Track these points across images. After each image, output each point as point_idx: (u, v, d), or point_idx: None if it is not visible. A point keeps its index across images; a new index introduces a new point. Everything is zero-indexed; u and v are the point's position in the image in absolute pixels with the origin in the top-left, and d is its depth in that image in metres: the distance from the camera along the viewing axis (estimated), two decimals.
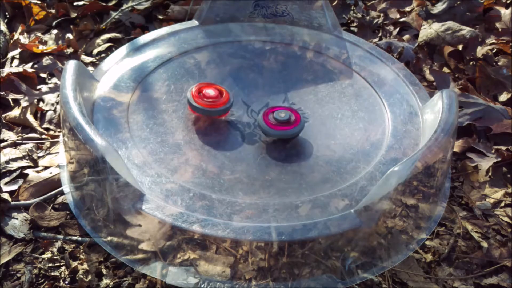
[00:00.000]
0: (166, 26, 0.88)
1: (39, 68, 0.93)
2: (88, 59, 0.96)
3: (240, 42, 0.86)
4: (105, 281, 0.60)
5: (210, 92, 0.71)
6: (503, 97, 0.89)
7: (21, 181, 0.71)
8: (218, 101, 0.70)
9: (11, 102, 0.85)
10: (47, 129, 0.82)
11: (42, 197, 0.69)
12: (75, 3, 1.07)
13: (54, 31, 1.02)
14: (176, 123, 0.72)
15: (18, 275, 0.61)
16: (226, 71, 0.81)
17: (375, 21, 1.07)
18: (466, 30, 0.98)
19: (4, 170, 0.73)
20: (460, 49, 0.97)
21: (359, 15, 1.09)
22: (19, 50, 0.96)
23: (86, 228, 0.63)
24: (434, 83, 0.91)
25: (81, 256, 0.62)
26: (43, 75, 0.92)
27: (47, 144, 0.78)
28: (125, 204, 0.58)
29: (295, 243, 0.57)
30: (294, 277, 0.57)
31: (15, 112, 0.82)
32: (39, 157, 0.76)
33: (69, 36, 1.01)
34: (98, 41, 1.00)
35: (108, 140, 0.59)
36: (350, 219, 0.58)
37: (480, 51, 0.96)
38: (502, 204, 0.72)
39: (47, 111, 0.85)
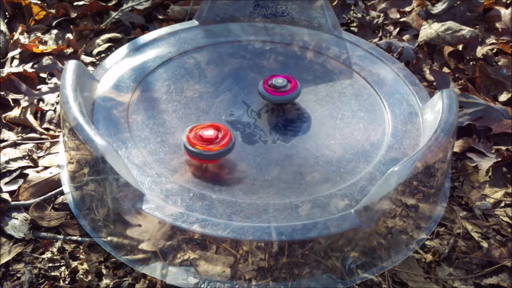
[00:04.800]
0: (166, 26, 0.88)
1: (39, 68, 0.93)
2: (88, 59, 0.96)
3: (240, 42, 0.86)
4: (105, 281, 0.60)
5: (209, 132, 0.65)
6: (503, 97, 0.89)
7: (21, 181, 0.71)
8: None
9: (11, 102, 0.85)
10: (47, 129, 0.82)
11: (42, 197, 0.69)
12: (75, 3, 1.07)
13: (54, 31, 1.02)
14: (176, 123, 0.72)
15: (18, 275, 0.61)
16: (226, 71, 0.81)
17: (375, 21, 1.07)
18: (466, 30, 0.98)
19: (4, 170, 0.73)
20: (460, 49, 0.97)
21: (359, 15, 1.08)
22: (19, 50, 0.96)
23: (86, 228, 0.63)
24: (434, 83, 0.91)
25: (81, 256, 0.62)
26: (43, 75, 0.92)
27: (47, 144, 0.78)
28: (125, 204, 0.58)
29: (295, 243, 0.57)
30: (294, 277, 0.57)
31: (15, 112, 0.82)
32: (39, 157, 0.76)
33: (69, 36, 1.01)
34: (98, 41, 1.00)
35: (108, 140, 0.59)
36: (350, 219, 0.58)
37: (480, 51, 0.96)
38: (502, 204, 0.72)
39: (47, 111, 0.85)
